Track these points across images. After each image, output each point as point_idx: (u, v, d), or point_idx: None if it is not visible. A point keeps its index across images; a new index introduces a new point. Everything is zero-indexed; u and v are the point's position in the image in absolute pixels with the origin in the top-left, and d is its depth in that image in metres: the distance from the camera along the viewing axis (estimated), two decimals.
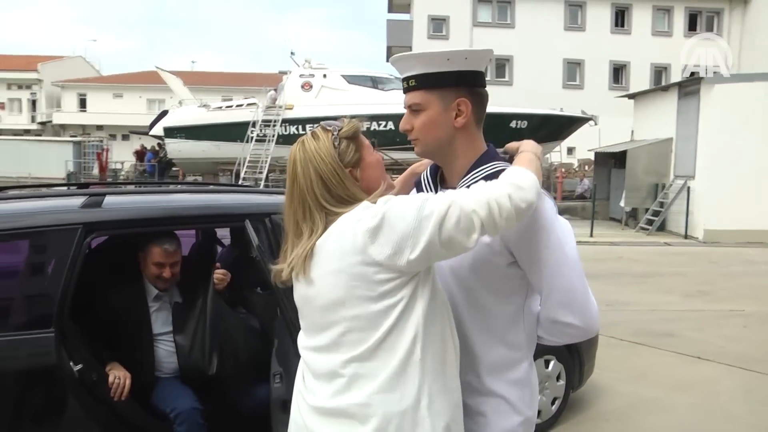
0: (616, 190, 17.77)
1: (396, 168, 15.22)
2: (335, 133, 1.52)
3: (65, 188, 3.89)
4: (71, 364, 2.49)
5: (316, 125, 1.57)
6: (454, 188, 1.56)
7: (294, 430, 1.58)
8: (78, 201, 2.81)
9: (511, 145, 1.67)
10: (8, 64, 45.25)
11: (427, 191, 1.70)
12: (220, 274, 3.02)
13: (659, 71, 30.99)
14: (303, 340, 1.58)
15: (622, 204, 16.77)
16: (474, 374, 1.59)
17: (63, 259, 2.56)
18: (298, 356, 1.64)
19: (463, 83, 1.59)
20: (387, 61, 36.07)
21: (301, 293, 1.54)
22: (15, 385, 2.46)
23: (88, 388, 2.54)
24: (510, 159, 1.63)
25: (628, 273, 10.24)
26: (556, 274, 1.51)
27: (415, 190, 1.77)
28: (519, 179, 1.44)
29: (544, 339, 1.67)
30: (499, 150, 1.70)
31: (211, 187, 4.25)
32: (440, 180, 1.71)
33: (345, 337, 1.44)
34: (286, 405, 2.36)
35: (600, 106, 26.29)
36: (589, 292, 1.54)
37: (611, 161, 18.68)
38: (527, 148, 1.61)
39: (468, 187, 1.50)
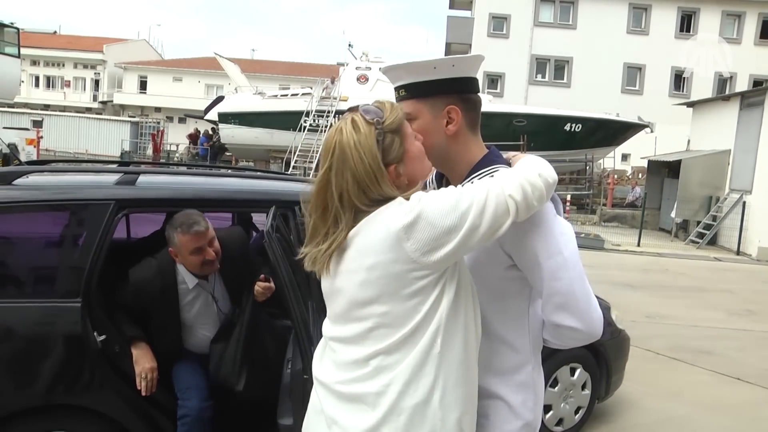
0: (668, 200, 17.25)
1: None
2: (379, 126, 1.42)
3: (103, 164, 3.97)
4: (95, 334, 2.57)
5: (352, 108, 1.49)
6: None
7: (311, 412, 1.60)
8: (113, 178, 2.91)
9: (510, 155, 1.66)
10: (77, 45, 47.02)
11: None
12: (261, 288, 2.87)
13: (724, 80, 29.83)
14: (328, 328, 1.57)
15: (673, 215, 16.29)
16: (480, 375, 1.57)
17: (94, 233, 2.65)
18: (313, 344, 1.63)
19: (452, 91, 1.59)
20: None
21: (327, 285, 1.52)
22: (43, 350, 2.56)
23: (109, 358, 2.62)
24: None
25: (673, 286, 9.92)
26: (556, 278, 1.47)
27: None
28: (537, 160, 1.49)
29: (550, 342, 1.64)
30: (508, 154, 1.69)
31: (249, 172, 4.29)
32: (445, 184, 1.69)
33: (372, 332, 1.43)
34: (295, 391, 2.39)
35: (658, 113, 25.59)
36: (590, 295, 1.50)
37: (665, 170, 18.14)
38: (523, 155, 1.62)
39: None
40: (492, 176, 1.48)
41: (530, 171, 1.44)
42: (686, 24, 30.13)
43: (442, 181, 1.73)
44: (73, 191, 2.83)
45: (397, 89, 1.63)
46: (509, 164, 1.60)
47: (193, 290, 2.93)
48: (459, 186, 1.44)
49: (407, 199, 1.40)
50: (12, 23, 17.66)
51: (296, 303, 2.31)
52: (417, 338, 1.40)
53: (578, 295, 1.48)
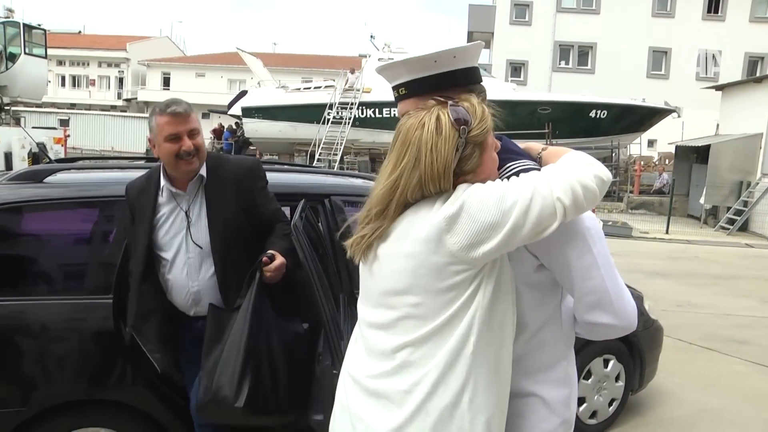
0: (697, 187, 16.93)
1: None
2: (464, 134, 1.35)
3: (128, 161, 3.98)
4: (126, 330, 2.59)
5: (442, 101, 1.40)
6: None
7: (337, 408, 1.58)
8: (141, 174, 2.92)
9: (530, 146, 1.59)
10: (100, 44, 47.61)
11: None
12: (271, 270, 2.34)
13: (754, 61, 29.11)
14: (362, 311, 1.55)
15: (702, 201, 15.98)
16: (512, 377, 1.52)
17: (123, 229, 2.66)
18: (344, 339, 1.61)
19: (455, 84, 1.48)
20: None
21: (365, 270, 1.51)
22: (76, 346, 2.59)
23: (140, 353, 2.62)
24: (535, 159, 1.55)
25: (703, 274, 9.73)
26: (586, 277, 1.42)
27: None
28: (586, 157, 1.41)
29: (582, 335, 1.60)
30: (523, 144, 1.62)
31: (278, 166, 4.28)
32: None
33: (402, 322, 1.41)
34: (326, 386, 2.37)
35: (685, 97, 25.12)
36: (623, 288, 1.45)
37: (693, 156, 17.81)
38: (553, 149, 1.55)
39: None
40: (516, 176, 1.41)
41: (584, 172, 1.36)
42: (714, 4, 29.40)
43: None
44: (103, 188, 2.85)
45: (396, 88, 1.52)
46: (529, 157, 1.55)
47: (166, 202, 2.43)
48: (504, 180, 1.38)
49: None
50: (39, 25, 17.92)
51: (325, 298, 2.28)
52: (447, 335, 1.36)
53: (611, 291, 1.43)
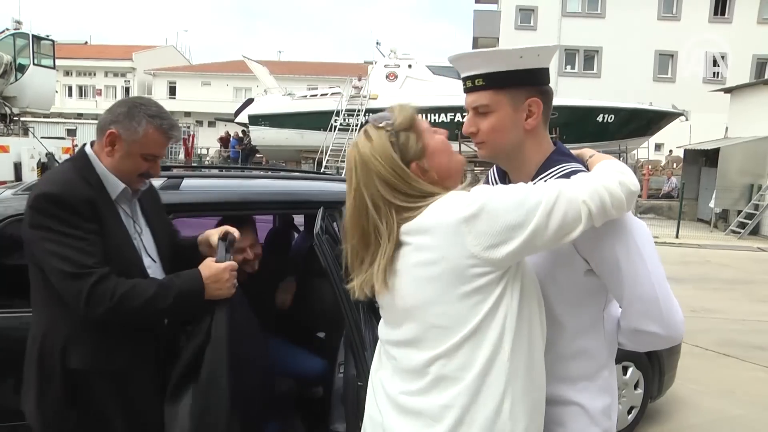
0: (706, 190, 16.83)
1: (479, 161, 15.00)
2: (389, 128, 1.40)
3: None
4: None
5: (366, 119, 1.47)
6: None
7: (369, 425, 1.54)
8: (157, 183, 2.90)
9: (583, 152, 1.58)
10: (107, 54, 47.96)
11: None
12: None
13: (762, 63, 29.03)
14: (384, 332, 1.51)
15: (711, 205, 15.88)
16: (553, 384, 1.50)
17: None
18: (365, 347, 1.58)
19: (533, 82, 1.50)
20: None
21: (384, 297, 1.44)
22: None
23: None
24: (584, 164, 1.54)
25: (716, 278, 9.66)
26: (636, 283, 1.40)
27: None
28: (620, 165, 1.39)
29: (626, 345, 1.56)
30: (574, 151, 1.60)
31: (294, 173, 4.28)
32: (507, 182, 1.62)
33: (429, 333, 1.36)
34: (349, 397, 2.34)
35: (693, 100, 25.00)
36: (672, 298, 1.42)
37: (702, 159, 17.70)
38: (598, 155, 1.54)
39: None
40: (566, 176, 1.40)
41: (610, 178, 1.35)
42: (721, 6, 29.31)
43: (504, 180, 1.64)
44: None
45: (471, 78, 1.51)
46: (580, 161, 1.53)
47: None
48: (529, 183, 1.36)
49: (467, 191, 1.35)
50: (47, 36, 18.02)
51: (348, 306, 2.24)
52: (479, 343, 1.32)
53: (661, 299, 1.40)
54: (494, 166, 1.70)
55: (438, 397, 1.36)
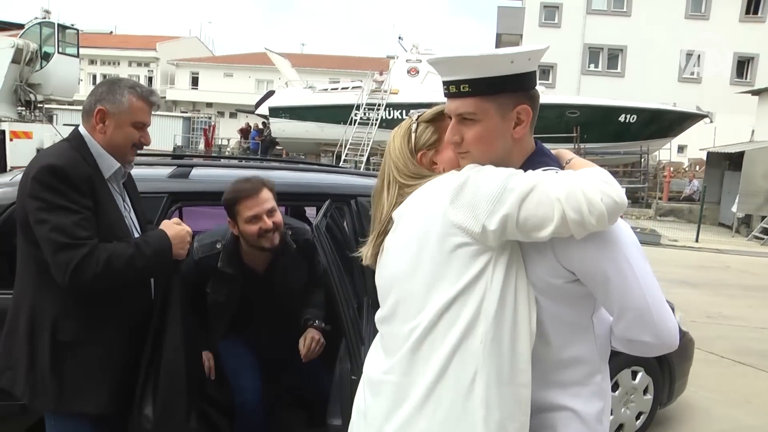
0: (729, 194, 16.55)
1: None
2: (416, 119, 1.57)
3: (156, 158, 3.99)
4: None
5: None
6: None
7: (354, 414, 1.57)
8: (167, 171, 2.91)
9: (561, 153, 1.52)
10: (131, 43, 48.39)
11: None
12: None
13: None
14: (378, 313, 1.54)
15: (734, 209, 15.62)
16: (544, 389, 1.47)
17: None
18: (365, 344, 1.61)
19: (522, 87, 1.40)
20: (496, 48, 35.37)
21: (376, 271, 1.56)
22: None
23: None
24: (561, 167, 1.48)
25: (736, 284, 9.48)
26: (626, 293, 1.33)
27: None
28: (603, 174, 1.32)
29: (619, 349, 1.52)
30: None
31: (303, 165, 4.26)
32: None
33: (406, 303, 1.40)
34: (343, 391, 2.32)
35: (718, 102, 24.58)
36: (663, 305, 1.36)
37: (725, 162, 17.42)
38: (579, 160, 1.50)
39: None
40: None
41: (594, 187, 1.27)
42: (754, 5, 28.67)
43: None
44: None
45: (455, 83, 1.41)
46: (559, 164, 1.49)
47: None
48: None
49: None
50: (72, 25, 18.26)
51: (346, 301, 2.23)
52: (453, 320, 1.32)
53: (652, 307, 1.34)
54: None
55: (407, 375, 1.36)
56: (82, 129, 2.07)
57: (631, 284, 1.33)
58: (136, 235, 2.13)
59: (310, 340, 2.75)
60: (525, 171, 1.42)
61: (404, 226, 1.43)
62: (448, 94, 1.44)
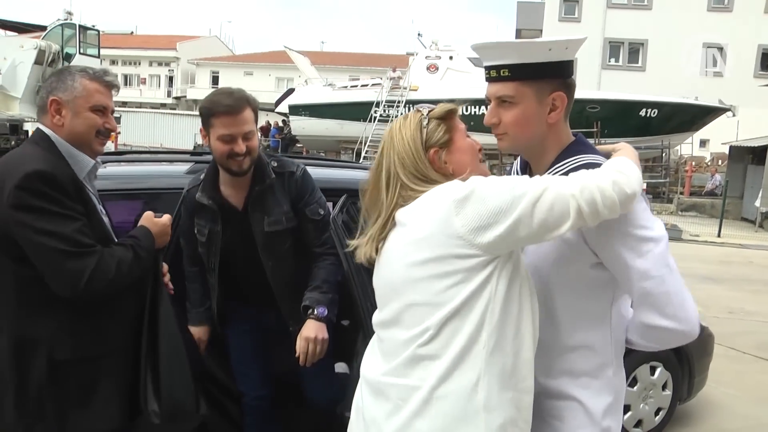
0: (752, 188, 16.27)
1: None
2: (425, 113, 1.50)
3: (174, 155, 4.04)
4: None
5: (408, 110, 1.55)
6: None
7: (354, 413, 1.58)
8: (185, 167, 2.95)
9: (605, 148, 1.55)
10: (152, 43, 48.93)
11: None
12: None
13: None
14: (375, 316, 1.55)
15: (757, 204, 15.35)
16: (554, 377, 1.49)
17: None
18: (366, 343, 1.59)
19: (559, 75, 1.49)
20: None
21: (376, 271, 1.52)
22: None
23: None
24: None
25: (759, 279, 9.32)
26: (647, 278, 1.36)
27: None
28: (622, 166, 1.37)
29: (639, 344, 1.52)
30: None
31: (320, 161, 4.28)
32: (530, 174, 1.61)
33: (410, 311, 1.39)
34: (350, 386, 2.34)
35: (741, 95, 24.13)
36: (685, 292, 1.39)
37: (749, 156, 17.13)
38: (625, 151, 1.48)
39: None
40: (584, 167, 1.40)
41: (606, 177, 1.33)
42: None
43: (526, 170, 1.64)
44: (146, 180, 2.88)
45: (495, 68, 1.49)
46: (601, 153, 1.51)
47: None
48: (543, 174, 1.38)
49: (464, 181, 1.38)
50: (93, 26, 18.54)
51: (363, 295, 2.22)
52: (457, 328, 1.33)
53: (672, 293, 1.36)
54: (519, 157, 1.70)
55: (409, 379, 1.37)
56: (44, 128, 1.91)
57: (651, 268, 1.36)
58: (113, 235, 2.02)
59: (305, 342, 2.27)
60: (562, 161, 1.49)
61: (410, 232, 1.40)
62: (489, 79, 1.52)
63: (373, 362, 1.51)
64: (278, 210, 2.43)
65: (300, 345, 2.28)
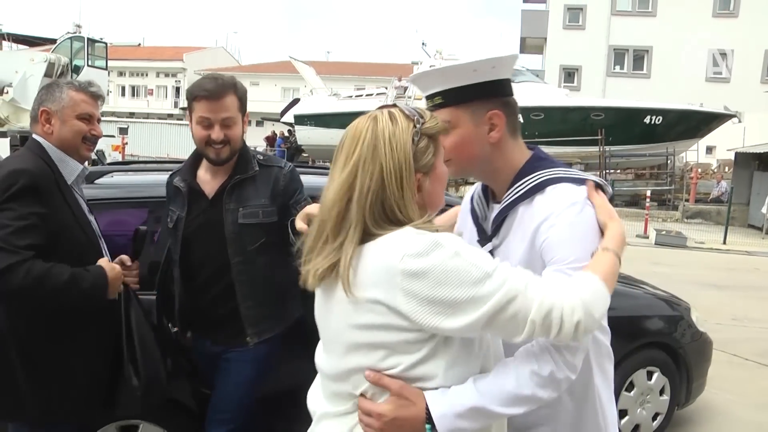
0: (758, 195, 16.18)
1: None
2: (418, 125, 1.26)
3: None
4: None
5: (386, 106, 1.35)
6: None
7: None
8: None
9: (601, 219, 1.42)
10: (158, 55, 49.36)
11: (479, 210, 1.63)
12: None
13: None
14: (321, 358, 1.38)
15: (764, 210, 15.26)
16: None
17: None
18: None
19: (492, 94, 1.49)
20: (520, 52, 35.27)
21: (319, 304, 1.34)
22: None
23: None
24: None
25: (764, 287, 9.27)
26: None
27: (469, 216, 1.66)
28: (595, 305, 1.24)
29: None
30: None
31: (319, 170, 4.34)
32: (491, 196, 1.62)
33: (355, 375, 1.26)
34: None
35: (747, 101, 24.06)
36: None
37: (755, 163, 17.03)
38: (612, 243, 1.36)
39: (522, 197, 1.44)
40: (541, 185, 1.40)
41: (573, 313, 1.20)
42: None
43: (488, 193, 1.64)
44: (151, 189, 2.94)
45: (430, 97, 1.52)
46: (561, 164, 1.52)
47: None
48: (496, 259, 1.23)
49: (427, 229, 1.20)
50: (101, 38, 18.79)
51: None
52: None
53: None
54: (479, 186, 1.68)
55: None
56: (36, 137, 2.10)
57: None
58: (101, 238, 2.22)
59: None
60: (520, 180, 1.47)
61: (355, 289, 1.19)
62: (429, 108, 1.50)
63: (319, 401, 1.38)
64: (255, 202, 2.32)
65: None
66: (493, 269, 1.17)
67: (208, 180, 2.39)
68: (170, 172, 2.55)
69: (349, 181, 1.22)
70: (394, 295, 1.16)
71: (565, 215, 1.37)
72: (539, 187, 1.45)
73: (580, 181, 1.45)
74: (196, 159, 2.44)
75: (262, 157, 2.44)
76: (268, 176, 2.38)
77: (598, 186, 1.47)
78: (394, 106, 1.32)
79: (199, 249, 2.36)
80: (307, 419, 1.41)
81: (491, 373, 1.26)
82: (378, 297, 1.17)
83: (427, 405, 1.20)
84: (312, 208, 1.76)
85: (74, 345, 2.07)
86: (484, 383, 1.23)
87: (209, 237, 2.32)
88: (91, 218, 2.20)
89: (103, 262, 2.09)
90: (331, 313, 1.28)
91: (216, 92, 2.24)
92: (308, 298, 1.41)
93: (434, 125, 1.30)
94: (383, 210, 1.21)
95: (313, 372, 1.44)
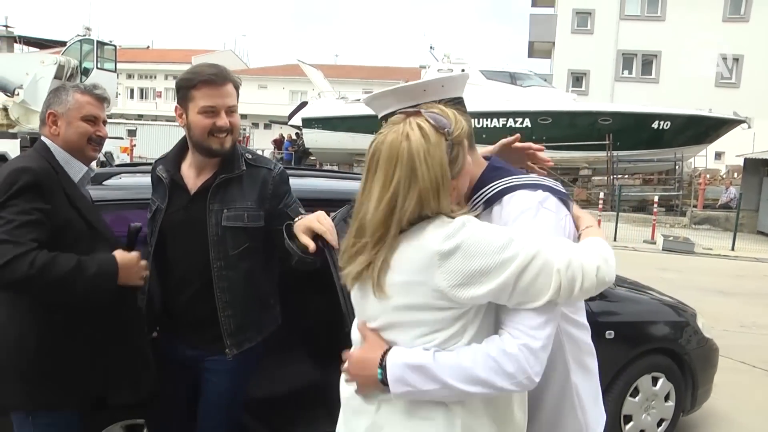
0: (767, 202, 16.10)
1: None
2: (449, 137, 1.33)
3: None
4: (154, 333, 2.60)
5: (411, 112, 1.37)
6: None
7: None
8: None
9: (582, 219, 1.57)
10: (167, 58, 49.58)
11: None
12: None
13: None
14: (355, 333, 1.52)
15: None
16: None
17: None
18: None
19: None
20: (529, 56, 35.27)
21: (358, 297, 1.47)
22: None
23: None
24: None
25: None
26: None
27: None
28: (608, 253, 1.40)
29: None
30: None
31: (329, 173, 4.35)
32: None
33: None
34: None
35: (757, 107, 24.00)
36: None
37: (764, 169, 16.95)
38: (590, 222, 1.54)
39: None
40: (499, 194, 1.44)
41: (593, 260, 1.35)
42: None
43: None
44: (143, 190, 2.95)
45: (385, 118, 1.54)
46: (517, 171, 1.55)
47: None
48: (512, 227, 1.37)
49: (451, 217, 1.31)
50: (110, 41, 18.92)
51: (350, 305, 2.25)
52: None
53: None
54: None
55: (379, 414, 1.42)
56: (44, 138, 2.14)
57: None
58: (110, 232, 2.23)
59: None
60: (477, 191, 1.50)
61: (392, 277, 1.32)
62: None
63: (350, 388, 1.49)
64: (241, 205, 2.19)
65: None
66: (515, 235, 1.30)
67: (192, 176, 2.26)
68: (154, 162, 2.45)
69: (391, 204, 1.31)
70: (432, 275, 1.27)
71: (521, 222, 1.41)
72: (496, 198, 1.47)
73: (535, 186, 1.47)
74: (181, 149, 2.34)
75: (250, 156, 2.31)
76: (256, 177, 2.24)
77: (555, 189, 1.49)
78: (419, 114, 1.35)
79: (178, 246, 2.24)
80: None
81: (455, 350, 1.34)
82: (417, 279, 1.29)
83: (385, 351, 1.34)
84: (312, 223, 1.93)
85: (84, 336, 2.07)
86: (444, 353, 1.32)
87: (189, 235, 2.20)
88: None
89: (118, 252, 2.05)
90: (368, 301, 1.40)
91: (221, 76, 2.17)
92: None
93: (461, 130, 1.37)
94: (420, 217, 1.32)
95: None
